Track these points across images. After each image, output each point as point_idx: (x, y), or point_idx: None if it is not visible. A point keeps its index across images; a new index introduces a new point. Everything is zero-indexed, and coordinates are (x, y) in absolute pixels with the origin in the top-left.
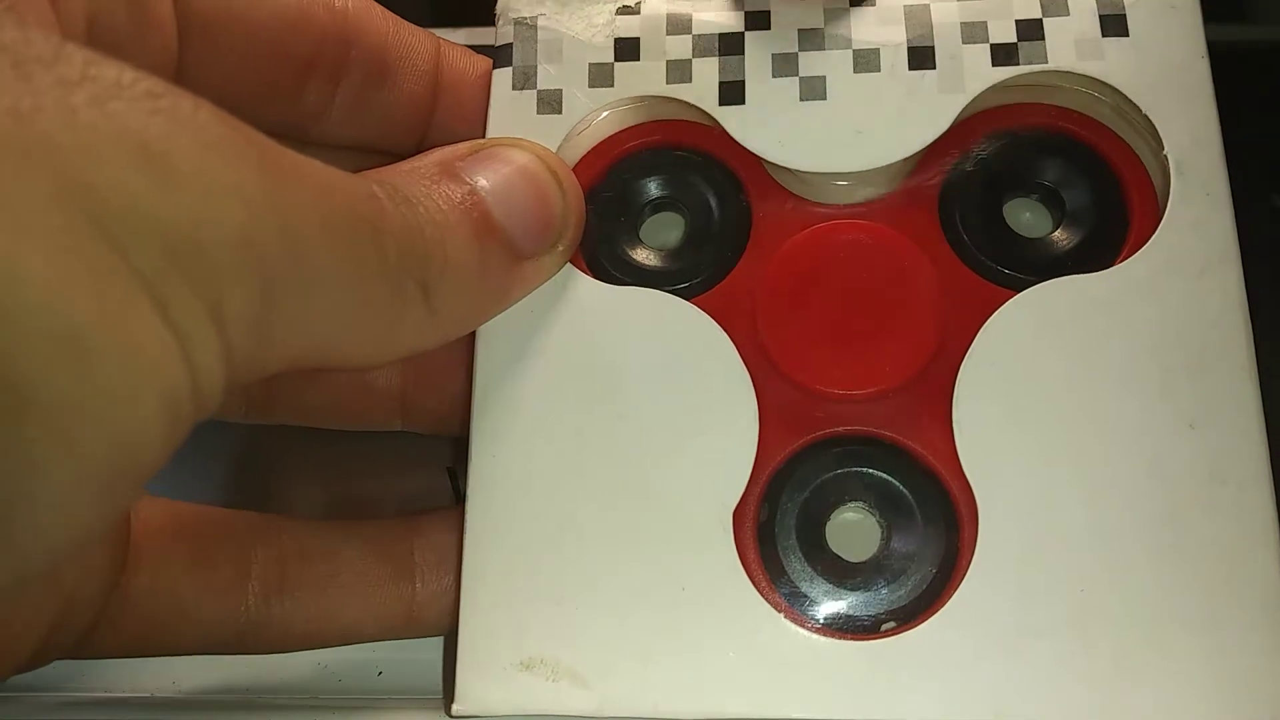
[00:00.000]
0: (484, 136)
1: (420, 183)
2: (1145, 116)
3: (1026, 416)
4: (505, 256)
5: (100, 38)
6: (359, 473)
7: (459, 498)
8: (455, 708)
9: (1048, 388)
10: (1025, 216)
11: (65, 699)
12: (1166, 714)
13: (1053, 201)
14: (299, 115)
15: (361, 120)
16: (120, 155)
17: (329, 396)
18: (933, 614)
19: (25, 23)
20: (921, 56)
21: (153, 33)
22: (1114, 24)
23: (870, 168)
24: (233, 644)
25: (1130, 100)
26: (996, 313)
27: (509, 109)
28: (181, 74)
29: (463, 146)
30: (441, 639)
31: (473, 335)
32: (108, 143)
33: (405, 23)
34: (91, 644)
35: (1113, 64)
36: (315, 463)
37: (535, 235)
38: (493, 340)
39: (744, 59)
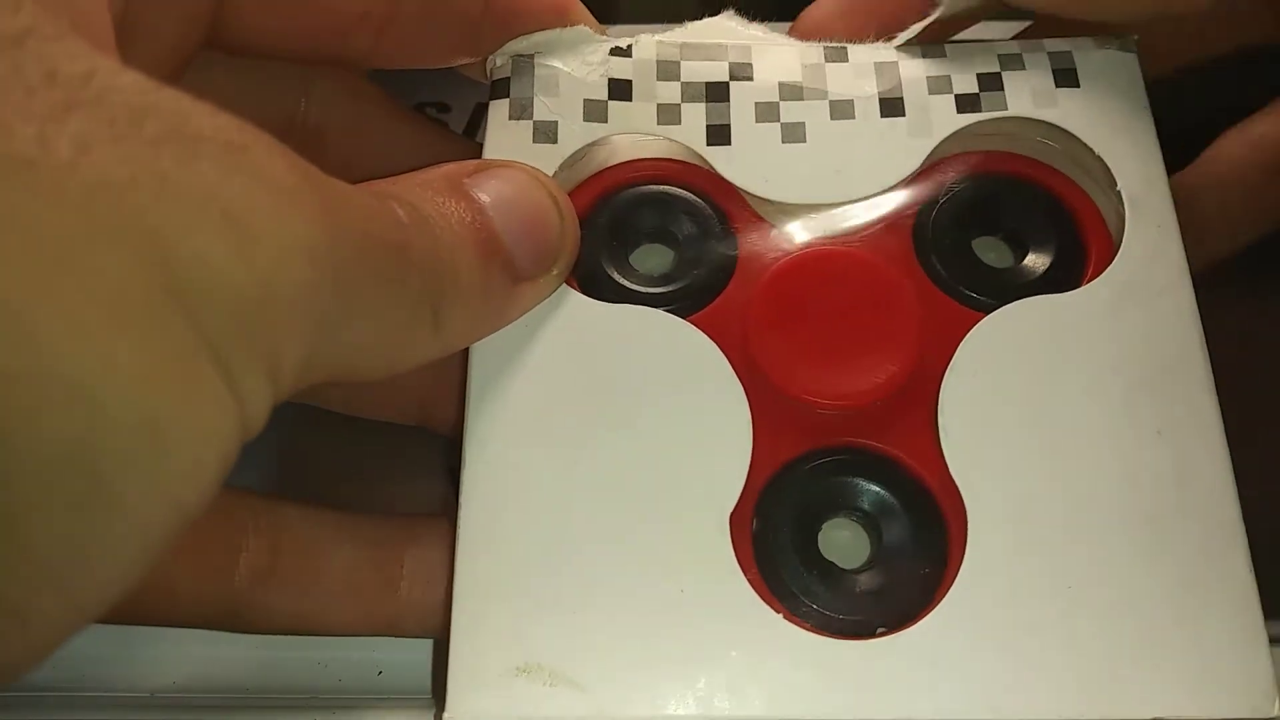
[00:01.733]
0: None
1: (434, 199)
2: (1099, 158)
3: (1008, 423)
4: (506, 277)
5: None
6: (352, 475)
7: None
8: (447, 716)
9: (1025, 397)
10: (991, 250)
11: (65, 699)
12: (1153, 704)
13: (1015, 237)
14: (347, 55)
15: (412, 50)
16: (203, 224)
17: (352, 389)
18: (928, 614)
19: (117, 67)
20: (892, 106)
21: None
22: (1065, 76)
23: (850, 200)
24: (213, 624)
25: (1084, 143)
26: (975, 328)
27: (506, 137)
28: (222, 21)
29: (468, 164)
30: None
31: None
32: (193, 212)
33: None
34: None
35: (1066, 111)
36: (305, 465)
37: (535, 257)
38: (487, 354)
39: (729, 105)
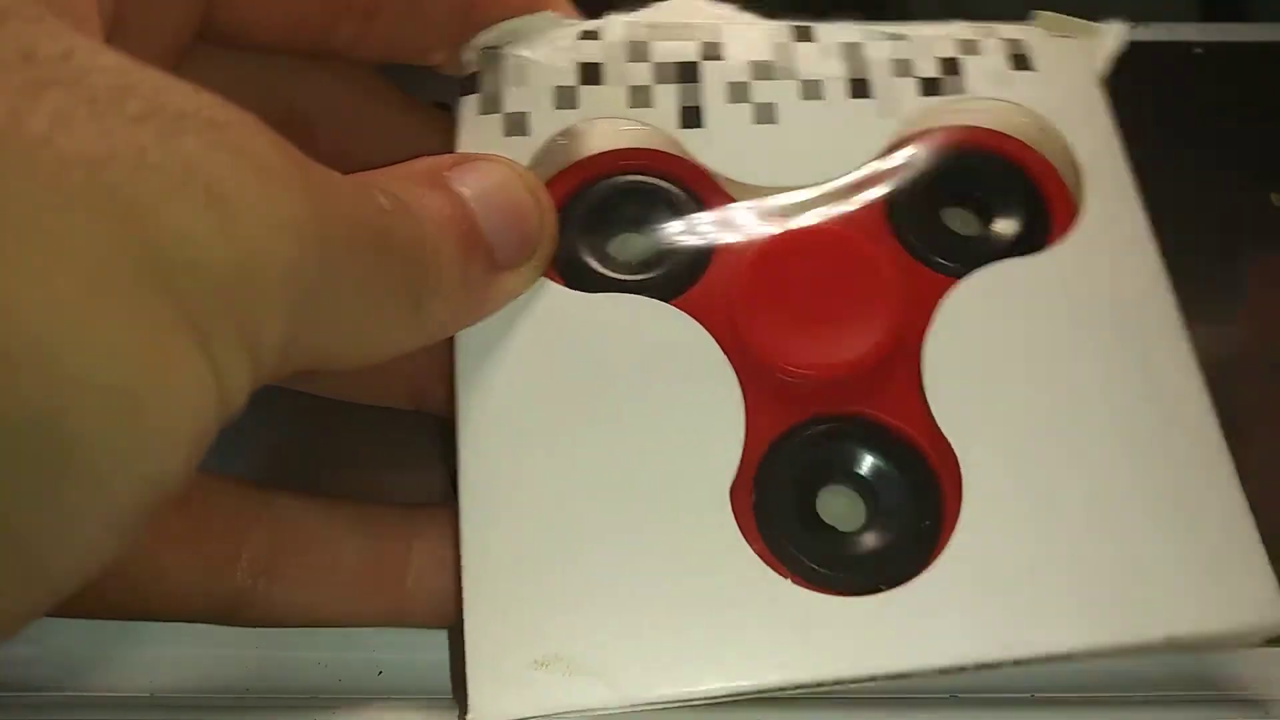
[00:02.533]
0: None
1: (415, 190)
2: (1056, 129)
3: (990, 375)
4: (487, 267)
5: None
6: (350, 472)
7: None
8: (471, 717)
9: (1005, 350)
10: (960, 218)
11: (65, 699)
12: (1163, 624)
13: (982, 205)
14: (331, 44)
15: (395, 48)
16: (184, 198)
17: (342, 375)
18: (933, 564)
19: (95, 48)
20: (859, 87)
21: None
22: (1020, 61)
23: (819, 183)
24: (216, 618)
25: (1040, 116)
26: (949, 291)
27: (477, 132)
28: (213, 13)
29: (448, 157)
30: (443, 635)
31: (451, 343)
32: (174, 187)
33: None
34: (77, 605)
35: (1022, 91)
36: (303, 460)
37: (515, 247)
38: (473, 350)
39: (700, 86)
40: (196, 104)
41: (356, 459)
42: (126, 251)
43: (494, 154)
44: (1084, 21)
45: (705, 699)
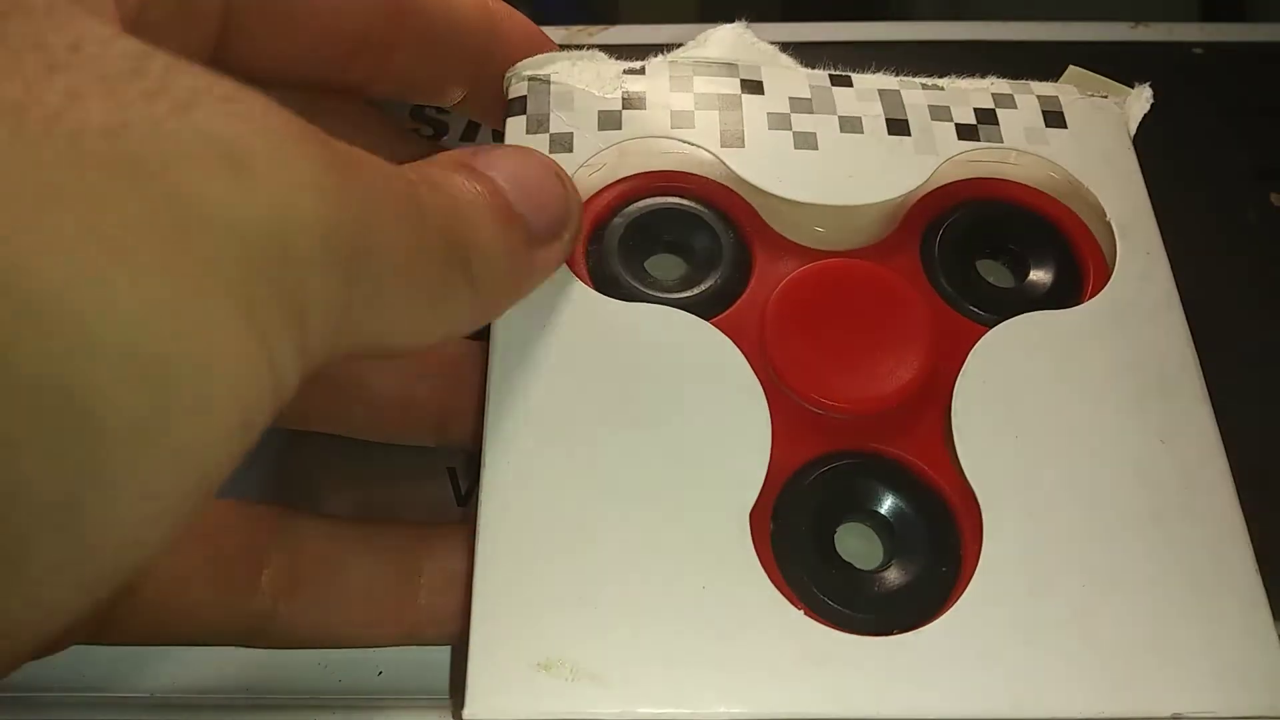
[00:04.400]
0: None
1: (446, 173)
2: (1089, 190)
3: (1018, 427)
4: (524, 240)
5: (148, 17)
6: (382, 476)
7: (460, 500)
8: (466, 713)
9: (1034, 403)
10: (993, 273)
11: (65, 699)
12: (1172, 701)
13: (1017, 259)
14: (347, 83)
15: (411, 85)
16: (204, 162)
17: (368, 412)
18: (948, 611)
19: (106, 36)
20: (898, 126)
21: (198, 21)
22: (1054, 118)
23: (863, 204)
24: (236, 641)
25: (1074, 177)
26: (984, 338)
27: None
28: (224, 51)
29: (469, 149)
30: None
31: (487, 346)
32: (192, 151)
33: None
34: (106, 633)
35: (1056, 149)
36: (339, 464)
37: (547, 222)
38: (507, 350)
39: (742, 113)
40: (209, 82)
41: (361, 477)
42: (150, 213)
43: (516, 144)
44: (1114, 83)
45: None
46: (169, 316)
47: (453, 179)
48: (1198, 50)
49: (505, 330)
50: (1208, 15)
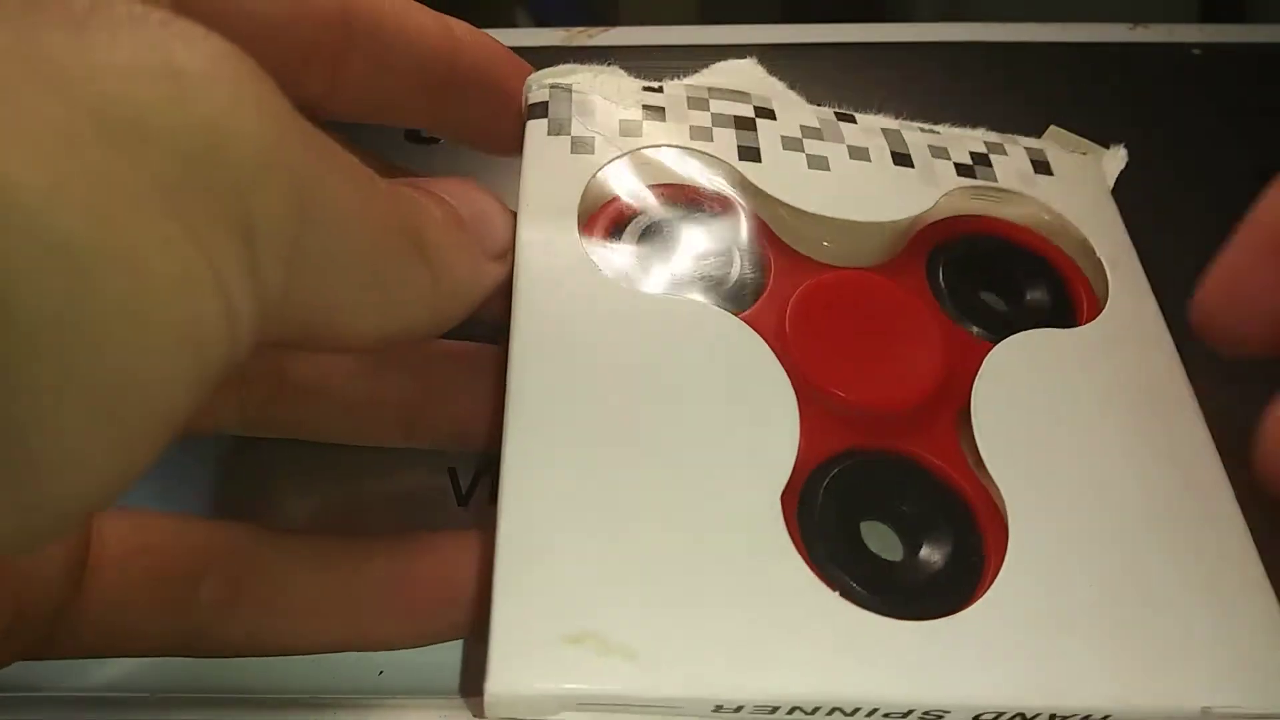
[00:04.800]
0: (519, 173)
1: (397, 184)
2: (1077, 229)
3: (1034, 430)
4: (475, 248)
5: None
6: (354, 475)
7: (461, 499)
8: (489, 686)
9: (1047, 409)
10: (992, 299)
11: (65, 699)
12: (1199, 696)
13: (1015, 287)
14: (301, 99)
15: (369, 100)
16: (140, 71)
17: (335, 412)
18: (977, 601)
19: None
20: (902, 159)
21: None
22: (1041, 166)
23: (875, 221)
24: (177, 652)
25: (1064, 218)
26: (996, 348)
27: (545, 150)
28: None
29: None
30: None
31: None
32: (128, 61)
33: (410, 2)
34: (47, 650)
35: (1044, 192)
36: (308, 465)
37: (493, 237)
38: (530, 328)
39: (757, 133)
40: (143, 10)
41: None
42: (64, 103)
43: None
44: (1091, 142)
45: (735, 706)
46: (79, 203)
47: (404, 188)
48: (1197, 51)
49: (527, 312)
50: (1207, 16)
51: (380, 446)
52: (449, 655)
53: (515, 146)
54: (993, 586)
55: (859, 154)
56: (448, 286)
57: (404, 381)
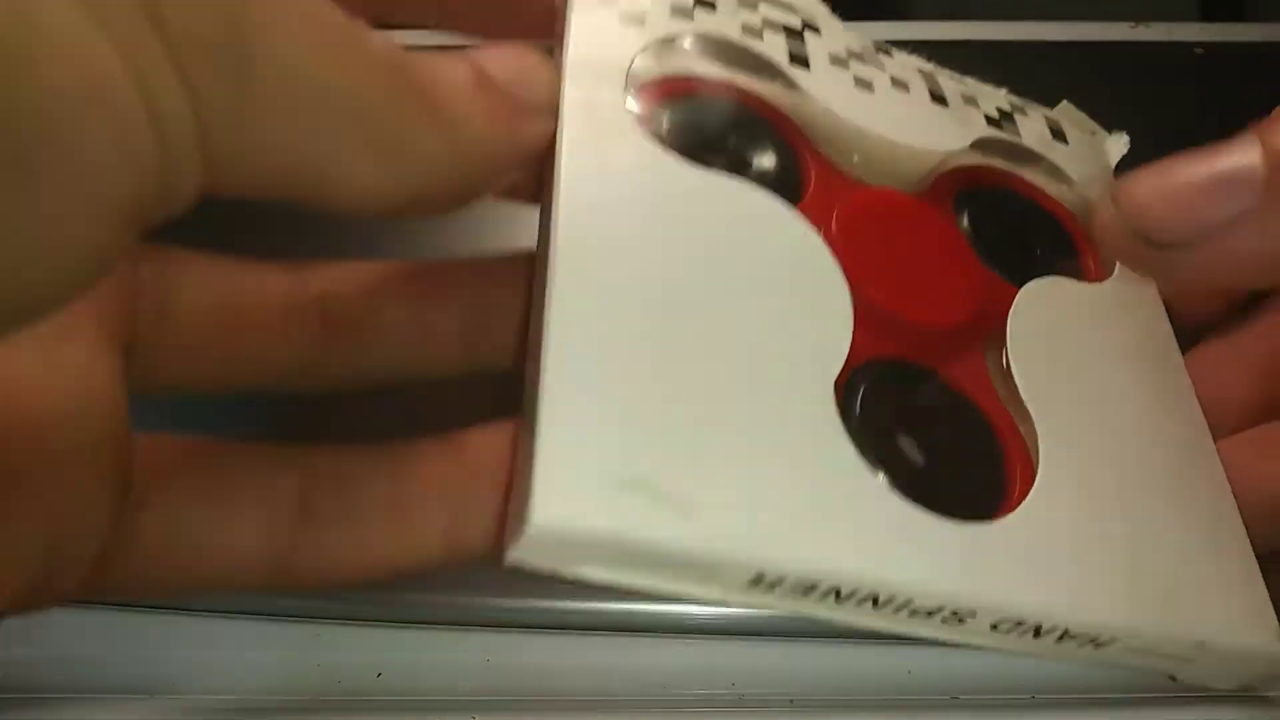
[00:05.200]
0: (560, 41)
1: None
2: (1089, 198)
3: (1065, 367)
4: (505, 105)
5: None
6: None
7: None
8: (535, 517)
9: (1074, 350)
10: (1013, 247)
11: (65, 699)
12: (1199, 629)
13: (1033, 242)
14: None
15: None
16: None
17: (386, 344)
18: (1011, 513)
19: None
20: (939, 99)
21: None
22: (1058, 134)
23: (917, 146)
24: (256, 579)
25: (1077, 184)
26: (1026, 286)
27: (592, 17)
28: None
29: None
30: (443, 636)
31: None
32: None
33: None
34: (98, 585)
35: (1061, 158)
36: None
37: (535, 93)
38: (575, 190)
39: (806, 45)
40: None
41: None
42: None
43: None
44: (1096, 125)
45: (777, 578)
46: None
47: (417, 53)
48: (1198, 50)
49: (572, 170)
50: (1208, 15)
51: (442, 379)
52: (449, 657)
53: (532, 28)
54: (1026, 504)
55: (899, 85)
56: (468, 145)
57: (461, 298)
